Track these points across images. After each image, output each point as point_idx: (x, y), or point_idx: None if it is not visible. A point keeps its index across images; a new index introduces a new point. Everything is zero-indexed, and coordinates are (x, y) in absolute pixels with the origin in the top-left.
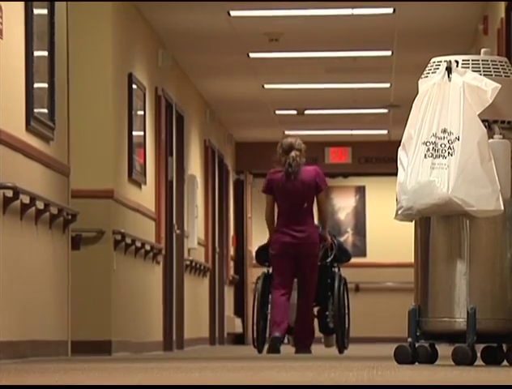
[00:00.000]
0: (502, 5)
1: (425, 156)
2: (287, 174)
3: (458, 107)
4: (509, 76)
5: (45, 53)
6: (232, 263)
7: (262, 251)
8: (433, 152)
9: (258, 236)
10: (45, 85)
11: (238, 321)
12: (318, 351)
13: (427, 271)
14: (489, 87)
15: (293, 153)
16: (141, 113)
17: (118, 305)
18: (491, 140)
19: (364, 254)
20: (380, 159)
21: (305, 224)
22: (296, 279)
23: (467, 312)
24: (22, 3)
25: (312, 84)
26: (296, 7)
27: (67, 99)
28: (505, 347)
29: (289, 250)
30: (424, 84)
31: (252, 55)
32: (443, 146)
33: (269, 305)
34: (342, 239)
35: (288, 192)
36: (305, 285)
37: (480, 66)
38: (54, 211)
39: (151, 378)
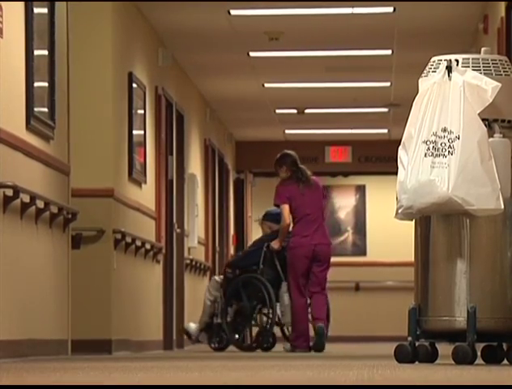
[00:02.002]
0: (502, 4)
1: (425, 154)
2: (303, 184)
3: (458, 106)
4: (509, 75)
5: (45, 52)
6: None
7: (242, 258)
8: (433, 151)
9: (257, 235)
10: (45, 84)
11: None
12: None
13: (427, 270)
14: (489, 86)
15: (302, 166)
16: (141, 112)
17: (118, 304)
18: (491, 139)
19: (364, 253)
20: (380, 158)
21: (323, 228)
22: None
23: (467, 311)
24: (22, 2)
25: (312, 83)
26: (296, 6)
27: (67, 98)
28: (505, 346)
29: (312, 253)
30: (424, 83)
31: (252, 54)
32: (443, 145)
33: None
34: (342, 238)
35: (307, 200)
36: (321, 283)
37: (480, 65)
38: (54, 210)
39: (151, 377)
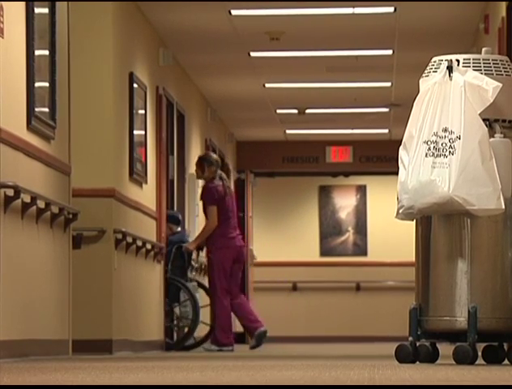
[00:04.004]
0: (503, 4)
1: (426, 154)
2: (227, 186)
3: (459, 106)
4: (510, 75)
5: (46, 52)
6: None
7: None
8: (434, 151)
9: (258, 235)
10: (46, 84)
11: None
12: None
13: (428, 270)
14: (490, 86)
15: (219, 170)
16: (142, 111)
17: (119, 304)
18: (492, 139)
19: (365, 253)
20: (381, 158)
21: (240, 231)
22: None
23: (468, 311)
24: (23, 2)
25: (313, 83)
26: (297, 6)
27: (68, 98)
28: (506, 346)
29: (237, 255)
30: (425, 83)
31: (253, 54)
32: (444, 145)
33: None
34: (343, 238)
35: (231, 202)
36: (239, 282)
37: (481, 65)
38: (55, 210)
39: (151, 377)
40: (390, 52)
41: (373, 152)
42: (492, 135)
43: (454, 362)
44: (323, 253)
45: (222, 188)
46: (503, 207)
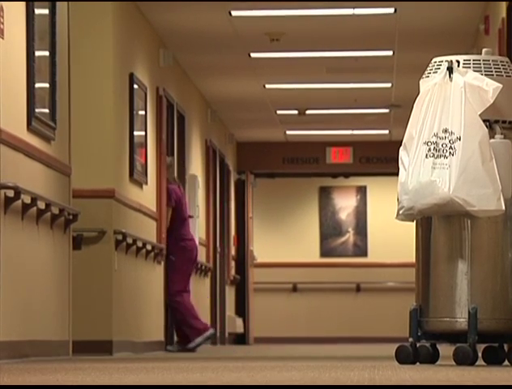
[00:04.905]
0: (503, 5)
1: (426, 155)
2: (183, 190)
3: (459, 107)
4: (510, 76)
5: (46, 53)
6: (233, 263)
7: None
8: (434, 152)
9: (259, 236)
10: (47, 85)
11: (239, 321)
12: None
13: (428, 271)
14: (490, 87)
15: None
16: (142, 112)
17: (119, 305)
18: (492, 140)
19: (365, 254)
20: (381, 159)
21: None
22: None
23: (469, 312)
24: (23, 3)
25: (313, 84)
26: (297, 7)
27: (68, 99)
28: (506, 347)
29: (197, 256)
30: (425, 84)
31: (253, 55)
32: (444, 146)
33: None
34: (343, 239)
35: (186, 204)
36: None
37: (482, 65)
38: (55, 210)
39: (152, 377)
40: (390, 53)
41: (373, 153)
42: (492, 136)
43: (454, 363)
44: (323, 254)
45: (179, 189)
46: (503, 208)
